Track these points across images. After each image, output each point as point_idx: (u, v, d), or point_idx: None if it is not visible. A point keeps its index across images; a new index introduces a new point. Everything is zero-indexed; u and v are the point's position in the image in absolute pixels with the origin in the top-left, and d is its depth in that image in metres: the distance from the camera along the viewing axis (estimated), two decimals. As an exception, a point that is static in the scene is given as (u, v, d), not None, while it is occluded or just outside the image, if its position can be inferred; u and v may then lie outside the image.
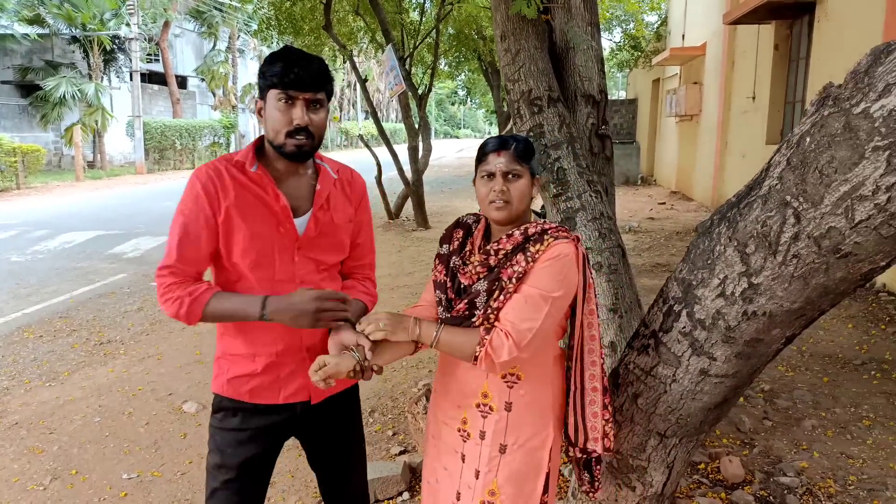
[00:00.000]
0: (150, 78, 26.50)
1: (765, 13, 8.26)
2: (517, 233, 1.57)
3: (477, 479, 1.61)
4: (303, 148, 1.57)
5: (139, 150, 21.23)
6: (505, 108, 19.58)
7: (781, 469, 3.00)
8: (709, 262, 1.61)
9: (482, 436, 1.61)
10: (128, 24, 20.88)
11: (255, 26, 29.90)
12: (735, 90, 10.60)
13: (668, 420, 1.82)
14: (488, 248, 1.59)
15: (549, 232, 1.55)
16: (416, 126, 10.20)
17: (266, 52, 31.35)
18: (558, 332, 1.63)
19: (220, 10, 27.81)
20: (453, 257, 1.65)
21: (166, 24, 25.64)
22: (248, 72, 33.59)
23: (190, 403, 3.96)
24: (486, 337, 1.50)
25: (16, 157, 15.60)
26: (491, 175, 1.57)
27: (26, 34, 20.21)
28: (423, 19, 11.11)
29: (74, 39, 21.68)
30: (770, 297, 1.51)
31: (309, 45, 10.21)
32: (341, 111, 46.25)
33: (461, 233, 1.69)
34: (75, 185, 17.28)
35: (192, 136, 23.95)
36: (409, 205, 10.89)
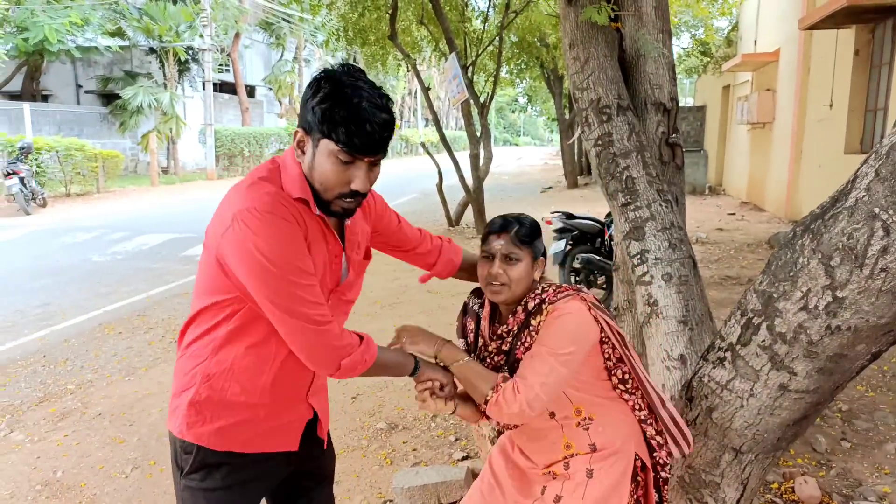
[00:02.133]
0: (221, 87, 27.59)
1: (844, 17, 7.91)
2: (520, 310, 1.60)
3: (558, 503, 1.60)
4: (351, 212, 1.45)
5: (210, 156, 22.11)
6: (567, 116, 19.44)
7: (862, 493, 2.86)
8: (791, 274, 1.57)
9: (569, 474, 1.63)
10: (201, 36, 21.82)
11: (321, 37, 30.78)
12: (811, 97, 10.19)
13: (745, 435, 1.78)
14: (500, 332, 1.63)
15: (547, 299, 1.57)
16: (478, 134, 10.25)
17: (331, 61, 32.20)
18: (602, 374, 1.64)
19: (288, 22, 28.70)
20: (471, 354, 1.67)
21: (237, 36, 26.65)
22: (313, 81, 34.45)
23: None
24: (501, 384, 1.53)
25: (97, 163, 16.50)
26: (491, 256, 1.60)
27: (109, 46, 21.39)
28: (486, 27, 11.18)
29: (152, 51, 22.81)
30: (855, 312, 1.46)
31: (374, 54, 10.43)
32: (402, 119, 46.86)
33: (472, 323, 1.72)
34: (150, 190, 18.15)
35: (259, 144, 24.77)
36: (468, 212, 10.94)
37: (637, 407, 1.66)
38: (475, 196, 10.15)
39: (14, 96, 21.77)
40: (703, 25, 14.57)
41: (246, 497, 1.55)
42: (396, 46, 9.58)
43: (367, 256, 1.67)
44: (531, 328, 1.56)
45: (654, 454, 1.68)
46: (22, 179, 12.79)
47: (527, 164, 35.31)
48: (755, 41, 13.31)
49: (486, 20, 11.16)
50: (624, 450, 1.62)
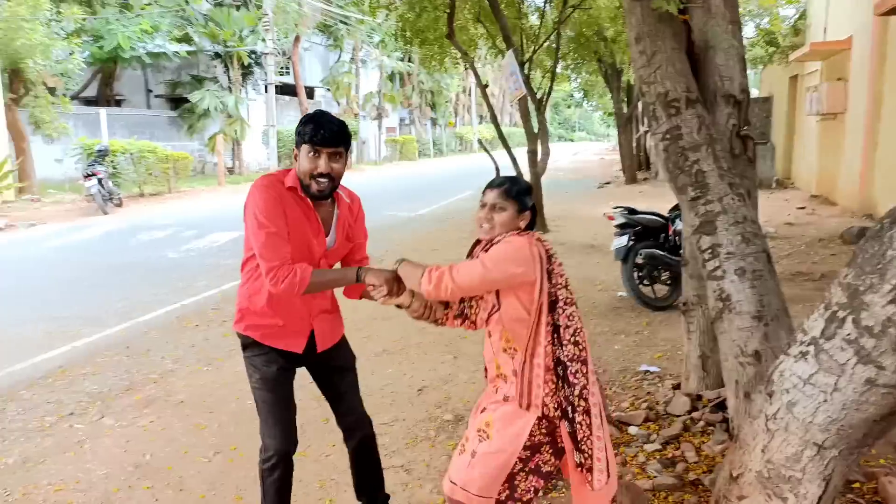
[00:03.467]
0: (282, 89, 28.33)
1: (925, 0, 7.52)
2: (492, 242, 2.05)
3: (481, 413, 2.07)
4: (323, 191, 2.19)
5: (273, 156, 22.76)
6: (625, 110, 19.11)
7: (949, 496, 2.75)
8: (879, 266, 1.55)
9: (505, 398, 2.02)
10: (263, 40, 22.47)
11: (377, 38, 31.22)
12: (887, 87, 9.70)
13: (828, 430, 1.76)
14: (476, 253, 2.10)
15: (508, 235, 2.00)
16: (535, 130, 10.22)
17: (387, 61, 32.60)
18: (524, 316, 1.96)
19: (346, 24, 29.21)
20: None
21: (297, 39, 27.31)
22: (370, 81, 35.02)
23: (329, 392, 4.24)
24: (439, 267, 1.99)
25: (168, 164, 17.25)
26: (484, 205, 2.07)
27: (177, 52, 22.29)
28: (543, 23, 11.11)
29: (217, 55, 23.65)
30: (950, 305, 1.43)
31: (432, 53, 10.53)
32: (456, 116, 46.99)
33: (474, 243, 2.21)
34: (217, 190, 18.84)
35: (318, 143, 25.31)
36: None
37: (555, 378, 1.96)
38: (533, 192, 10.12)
39: (90, 102, 22.96)
40: (769, 14, 14.06)
41: (269, 366, 2.33)
42: (454, 45, 9.65)
43: (349, 239, 2.39)
44: (487, 247, 2.03)
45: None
46: (100, 180, 13.51)
47: (583, 160, 34.86)
48: (825, 29, 12.75)
49: (542, 16, 11.10)
50: (540, 386, 1.94)
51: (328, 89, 31.15)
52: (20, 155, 15.81)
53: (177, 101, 24.39)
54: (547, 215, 10.47)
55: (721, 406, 3.33)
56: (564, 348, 1.94)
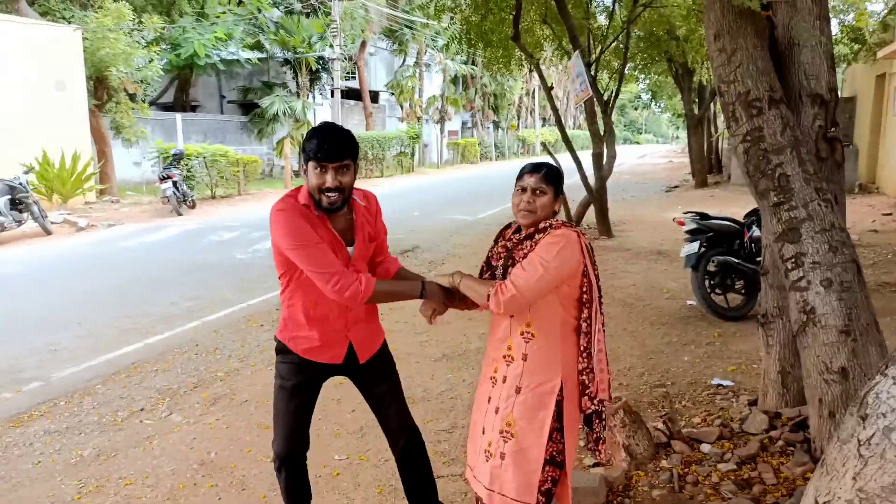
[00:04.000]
0: (347, 94, 28.86)
1: None
2: (532, 229, 2.08)
3: (497, 414, 2.06)
4: (334, 204, 2.19)
5: (337, 160, 23.18)
6: (696, 111, 18.47)
7: None
8: None
9: (504, 380, 2.07)
10: (331, 46, 22.94)
11: (441, 41, 31.35)
12: None
13: (934, 462, 1.59)
14: (509, 237, 2.17)
15: (553, 225, 2.04)
16: (601, 132, 9.99)
17: (451, 65, 32.71)
18: (566, 304, 2.03)
19: (411, 28, 29.50)
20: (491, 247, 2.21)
21: (363, 44, 27.77)
22: (433, 84, 35.23)
23: (389, 396, 4.23)
24: (500, 284, 2.00)
25: (238, 168, 17.83)
26: (524, 189, 2.08)
27: (249, 59, 23.04)
28: (611, 23, 10.86)
29: (286, 62, 24.30)
30: None
31: (497, 55, 10.46)
32: (519, 119, 46.68)
33: (500, 231, 2.27)
34: (284, 192, 19.33)
35: (381, 147, 25.65)
36: (590, 213, 10.70)
37: (583, 353, 2.03)
38: (598, 196, 9.89)
39: (166, 107, 24.03)
40: (855, 10, 13.27)
41: (292, 378, 2.39)
42: (519, 47, 9.55)
43: (372, 240, 2.39)
44: (533, 240, 2.04)
45: (587, 391, 2.05)
46: (175, 183, 14.09)
47: (649, 163, 33.97)
48: (918, 23, 11.93)
49: (611, 16, 10.84)
50: (550, 378, 2.01)
51: (392, 93, 31.52)
52: (102, 158, 16.68)
53: (247, 107, 25.22)
54: (612, 219, 10.20)
55: (802, 425, 3.12)
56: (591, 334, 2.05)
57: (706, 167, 18.98)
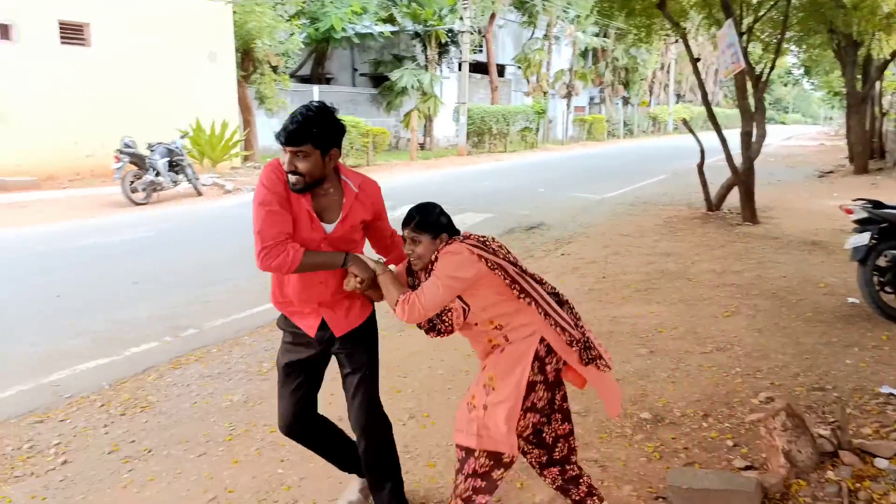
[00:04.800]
0: (474, 67, 28.79)
1: None
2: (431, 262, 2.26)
3: (482, 371, 2.28)
4: (295, 185, 2.24)
5: (462, 133, 23.27)
6: (858, 89, 16.61)
7: None
8: None
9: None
10: (461, 18, 22.90)
11: (572, 13, 30.37)
12: None
13: None
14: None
15: (440, 250, 2.22)
16: (751, 109, 9.21)
17: (581, 37, 31.65)
18: (504, 293, 2.22)
19: (542, -1, 28.81)
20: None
21: (492, 16, 27.49)
22: (561, 58, 34.31)
23: (519, 372, 4.17)
24: (407, 296, 2.20)
25: (368, 139, 18.38)
26: (405, 240, 2.30)
27: (381, 32, 23.53)
28: (769, -11, 9.92)
29: (416, 35, 24.61)
30: None
31: (639, 24, 9.90)
32: (651, 94, 44.45)
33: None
34: (410, 164, 19.72)
35: (506, 121, 25.42)
36: (732, 195, 9.97)
37: (540, 310, 2.23)
38: (744, 178, 9.17)
39: (303, 79, 25.13)
40: None
41: (285, 356, 2.52)
42: (665, 16, 8.96)
43: (356, 232, 2.43)
44: (432, 267, 2.23)
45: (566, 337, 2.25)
46: (310, 152, 14.74)
47: (798, 145, 31.22)
48: None
49: (769, -19, 9.89)
50: (528, 338, 2.21)
51: (519, 66, 31.05)
52: (247, 126, 17.79)
53: (378, 79, 25.86)
54: (757, 205, 9.44)
55: None
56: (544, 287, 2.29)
57: (867, 151, 17.08)
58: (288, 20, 18.38)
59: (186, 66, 15.25)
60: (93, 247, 8.14)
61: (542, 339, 2.21)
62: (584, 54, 34.86)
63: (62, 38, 13.29)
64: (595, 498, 2.42)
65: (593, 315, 5.33)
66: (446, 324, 2.26)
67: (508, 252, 2.26)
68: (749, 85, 9.26)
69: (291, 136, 2.16)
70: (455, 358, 4.51)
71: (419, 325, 2.29)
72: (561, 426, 2.37)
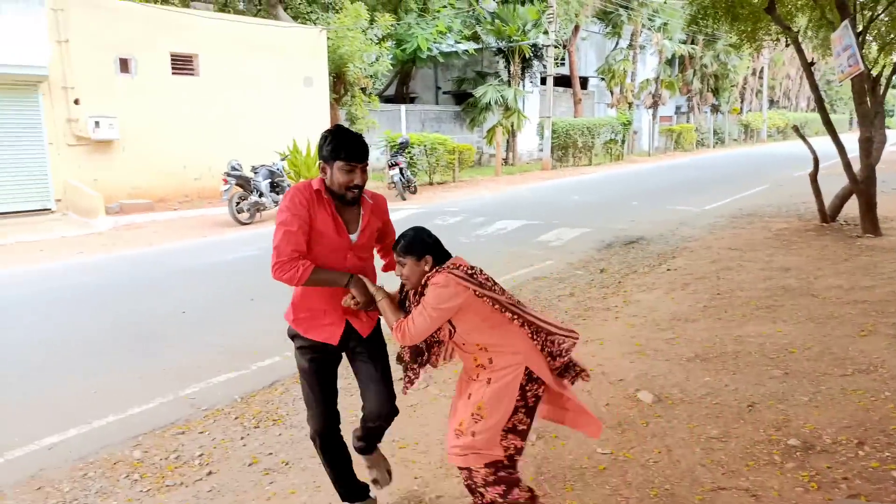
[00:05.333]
0: (556, 81, 28.61)
1: None
2: (421, 288, 2.48)
3: (469, 399, 2.48)
4: (356, 198, 2.59)
5: (546, 147, 23.10)
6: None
7: None
8: None
9: (477, 376, 2.50)
10: (545, 33, 22.83)
11: (658, 21, 29.66)
12: None
13: None
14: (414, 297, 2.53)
15: (430, 277, 2.42)
16: (871, 114, 8.63)
17: (668, 45, 30.84)
18: (491, 318, 2.42)
19: (627, 8, 28.30)
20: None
21: (576, 29, 27.28)
22: (647, 68, 33.54)
23: (644, 393, 4.03)
24: (400, 323, 2.44)
25: (454, 155, 18.57)
26: (394, 264, 2.56)
27: (466, 50, 23.79)
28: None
29: (499, 51, 24.71)
30: None
31: (744, 30, 9.52)
32: (742, 102, 42.62)
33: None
34: (495, 180, 19.74)
35: (591, 134, 25.04)
36: (849, 206, 9.35)
37: (532, 335, 2.45)
38: (864, 187, 8.58)
39: (388, 99, 25.76)
40: None
41: (304, 358, 2.70)
42: (774, 19, 8.57)
43: (373, 239, 2.75)
44: (425, 289, 2.44)
45: (556, 361, 2.50)
46: (401, 170, 15.06)
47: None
48: None
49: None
50: (513, 365, 2.42)
51: (602, 78, 30.57)
52: (338, 147, 18.39)
53: (460, 97, 26.13)
54: (880, 214, 8.80)
55: None
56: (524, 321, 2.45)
57: None
58: (377, 43, 18.92)
59: (284, 91, 15.97)
60: (207, 265, 8.60)
61: (526, 369, 2.42)
62: (670, 62, 33.91)
63: (173, 68, 14.24)
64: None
65: (713, 333, 5.11)
66: (435, 357, 2.65)
67: (495, 283, 2.46)
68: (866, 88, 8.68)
69: (364, 153, 2.55)
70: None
71: (403, 364, 2.65)
72: None
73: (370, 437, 2.89)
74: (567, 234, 9.91)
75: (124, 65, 13.50)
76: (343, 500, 2.92)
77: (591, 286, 6.94)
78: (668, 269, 7.47)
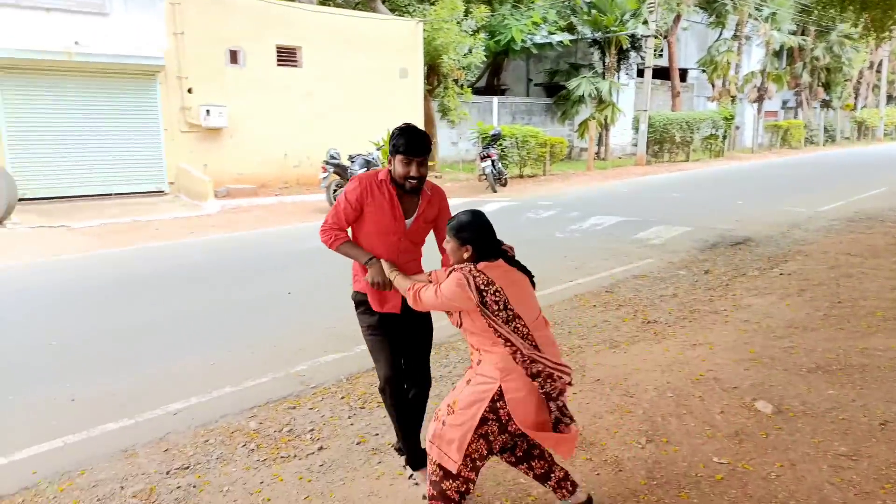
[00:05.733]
0: (653, 73, 27.60)
1: None
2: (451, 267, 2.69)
3: (454, 390, 2.68)
4: (415, 188, 2.90)
5: (642, 142, 22.38)
6: None
7: None
8: None
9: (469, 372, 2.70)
10: (645, 23, 22.08)
11: (766, 10, 28.01)
12: None
13: None
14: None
15: (459, 267, 2.59)
16: None
17: (777, 36, 29.08)
18: (484, 336, 2.54)
19: (734, -3, 26.91)
20: None
21: (677, 18, 26.21)
22: (752, 59, 31.79)
23: (763, 403, 3.82)
24: (416, 288, 2.69)
25: (545, 149, 18.32)
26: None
27: (560, 41, 23.39)
28: None
29: (595, 42, 24.13)
30: None
31: (875, 18, 8.81)
32: (856, 97, 39.61)
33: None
34: (587, 174, 19.32)
35: (690, 129, 24.04)
36: None
37: (520, 356, 2.52)
38: None
39: (478, 91, 25.73)
40: None
41: (372, 316, 3.04)
42: (910, 6, 7.88)
43: (427, 226, 3.06)
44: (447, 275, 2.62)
45: (538, 381, 2.53)
46: (493, 162, 15.02)
47: None
48: None
49: None
50: (492, 378, 2.53)
51: (703, 70, 29.23)
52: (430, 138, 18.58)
53: (551, 89, 25.74)
54: None
55: None
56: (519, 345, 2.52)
57: None
58: (471, 35, 18.92)
59: (380, 82, 16.28)
60: (308, 249, 8.91)
61: (500, 388, 2.53)
62: (777, 54, 32.00)
63: (278, 60, 14.82)
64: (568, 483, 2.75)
65: (835, 344, 4.78)
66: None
67: (506, 309, 2.52)
68: None
69: (421, 148, 2.85)
70: (682, 381, 4.26)
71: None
72: (536, 462, 2.74)
73: (416, 411, 3.19)
74: (667, 232, 9.56)
75: (234, 56, 14.17)
76: (408, 464, 3.20)
77: (695, 287, 6.66)
78: (781, 274, 7.05)
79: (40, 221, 10.63)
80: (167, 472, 3.28)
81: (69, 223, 10.52)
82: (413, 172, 2.84)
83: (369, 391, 4.28)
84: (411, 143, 2.82)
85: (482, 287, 2.50)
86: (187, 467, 3.34)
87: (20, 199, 11.00)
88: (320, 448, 3.55)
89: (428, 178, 3.01)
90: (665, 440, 3.47)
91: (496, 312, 2.50)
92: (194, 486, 3.15)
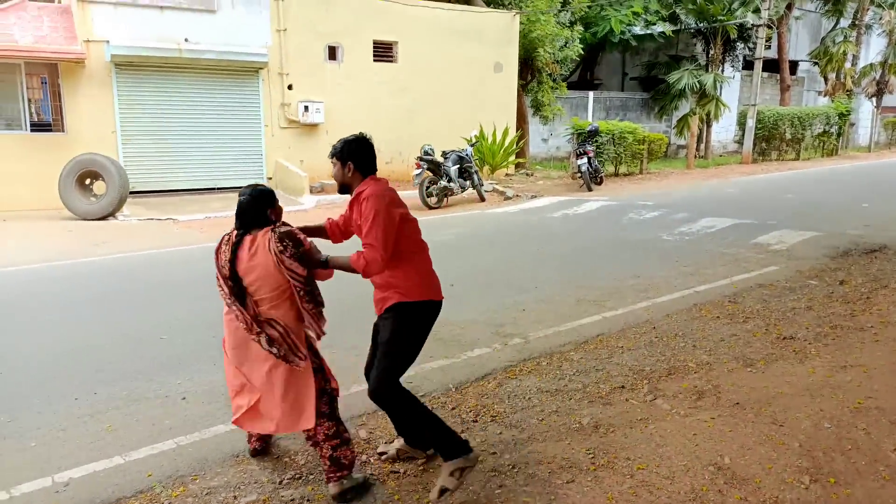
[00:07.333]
0: (753, 65, 25.88)
1: None
2: None
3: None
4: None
5: (749, 139, 20.99)
6: None
7: None
8: None
9: None
10: (756, 11, 20.69)
11: (893, -4, 25.58)
12: None
13: None
14: None
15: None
16: None
17: (904, 23, 26.54)
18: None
19: (856, -18, 24.79)
20: None
21: (789, 6, 24.45)
22: (871, 51, 29.23)
23: (948, 443, 3.26)
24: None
25: (643, 146, 17.47)
26: None
27: (662, 32, 22.27)
28: None
29: (698, 32, 22.84)
30: None
31: None
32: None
33: None
34: (687, 173, 18.28)
35: (802, 125, 22.36)
36: None
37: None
38: None
39: (571, 85, 24.97)
40: None
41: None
42: None
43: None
44: None
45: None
46: (589, 159, 14.44)
47: None
48: None
49: None
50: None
51: (815, 62, 27.14)
52: (522, 135, 18.14)
53: (647, 83, 24.62)
54: None
55: None
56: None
57: None
58: (568, 27, 18.32)
59: (475, 77, 16.01)
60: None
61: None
62: (902, 44, 29.24)
63: (375, 55, 14.83)
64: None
65: (888, 347, 4.08)
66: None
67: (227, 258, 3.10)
68: None
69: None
70: (837, 408, 3.73)
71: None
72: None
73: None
74: (790, 237, 8.76)
75: (332, 52, 14.30)
76: (446, 459, 2.95)
77: (831, 300, 5.98)
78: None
79: (149, 214, 11.09)
80: (280, 482, 3.13)
81: (175, 216, 10.90)
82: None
83: (481, 402, 4.02)
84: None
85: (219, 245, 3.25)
86: (299, 477, 3.18)
87: (131, 192, 11.50)
88: (426, 465, 3.30)
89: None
90: (832, 480, 3.00)
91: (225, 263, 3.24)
92: (308, 501, 2.98)
